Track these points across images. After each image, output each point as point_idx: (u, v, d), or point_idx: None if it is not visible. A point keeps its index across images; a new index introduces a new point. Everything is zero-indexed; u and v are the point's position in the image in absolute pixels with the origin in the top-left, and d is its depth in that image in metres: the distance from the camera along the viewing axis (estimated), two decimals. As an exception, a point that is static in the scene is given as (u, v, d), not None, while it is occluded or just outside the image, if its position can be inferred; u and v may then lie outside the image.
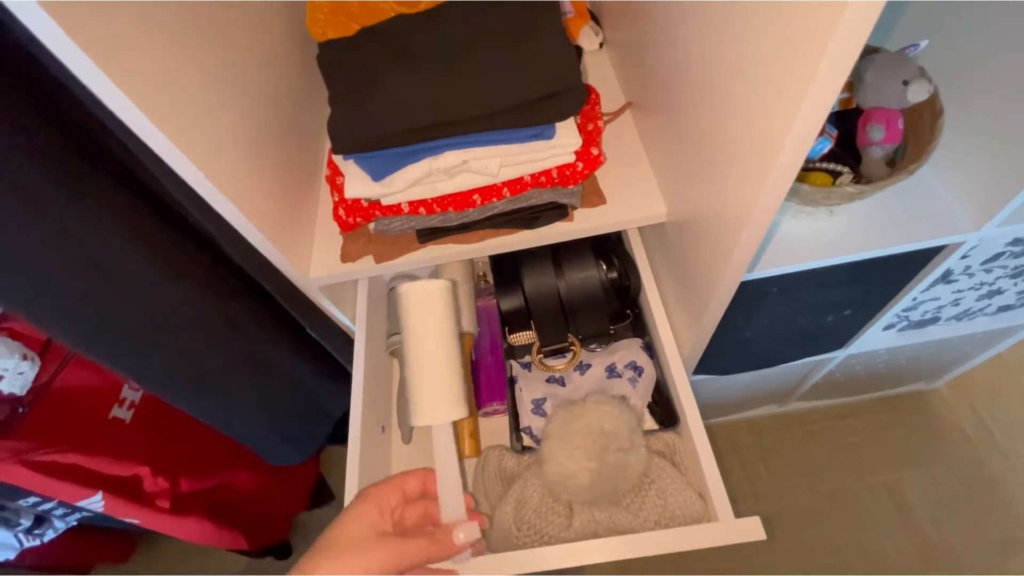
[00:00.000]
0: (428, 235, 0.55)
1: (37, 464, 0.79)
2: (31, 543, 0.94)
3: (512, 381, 0.63)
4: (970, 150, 0.64)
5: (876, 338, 0.99)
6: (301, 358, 0.66)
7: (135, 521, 0.92)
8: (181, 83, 0.40)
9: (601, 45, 0.69)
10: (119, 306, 0.48)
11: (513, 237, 0.55)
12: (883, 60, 0.59)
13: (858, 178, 0.63)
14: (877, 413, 1.38)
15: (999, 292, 0.91)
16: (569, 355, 0.65)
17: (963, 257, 0.76)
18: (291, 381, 0.65)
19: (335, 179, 0.55)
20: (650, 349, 0.61)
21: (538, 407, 0.60)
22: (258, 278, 0.53)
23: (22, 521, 0.90)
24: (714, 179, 0.39)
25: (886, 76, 0.58)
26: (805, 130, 0.26)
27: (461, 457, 0.61)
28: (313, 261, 0.57)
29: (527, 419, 0.60)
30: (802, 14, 0.24)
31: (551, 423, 0.52)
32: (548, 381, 0.63)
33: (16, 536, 0.92)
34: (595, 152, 0.49)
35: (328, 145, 0.67)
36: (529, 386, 0.62)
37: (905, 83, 0.57)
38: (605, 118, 0.58)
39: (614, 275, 0.63)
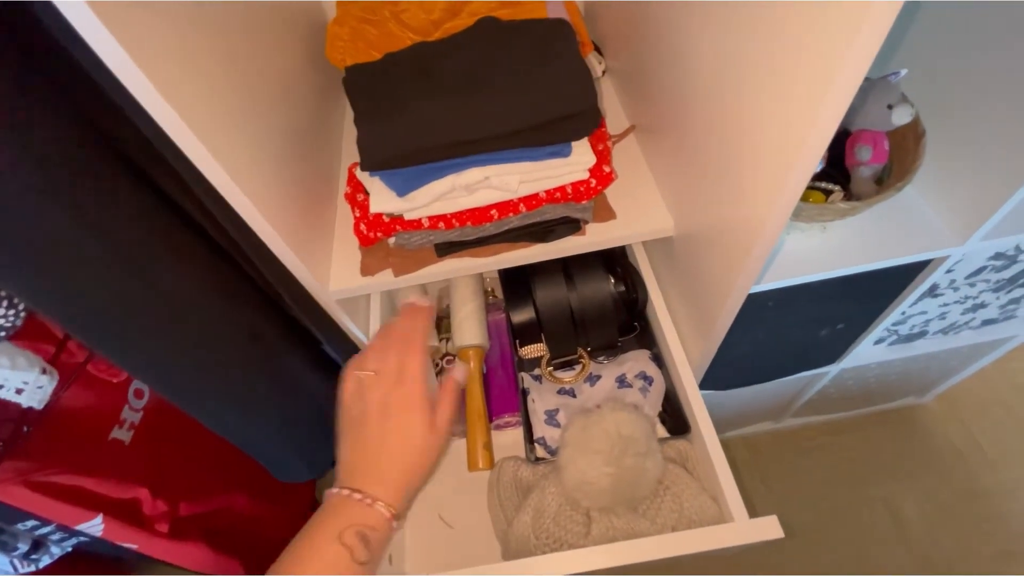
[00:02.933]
0: (446, 249, 0.57)
1: (39, 485, 0.78)
2: (26, 569, 0.92)
3: (525, 392, 0.65)
4: (951, 169, 0.68)
5: (868, 352, 1.02)
6: (316, 372, 0.66)
7: (133, 546, 0.90)
8: (219, 98, 0.42)
9: (604, 73, 0.74)
10: (147, 311, 0.49)
11: (527, 250, 0.57)
12: (868, 86, 0.64)
13: (848, 196, 0.67)
14: (870, 428, 1.41)
15: (983, 306, 0.95)
16: (578, 367, 0.67)
17: (948, 271, 0.80)
18: (307, 395, 0.66)
19: (355, 196, 0.58)
20: (658, 360, 0.63)
21: (551, 417, 0.62)
22: (280, 290, 0.54)
23: (19, 545, 0.87)
24: (723, 194, 0.41)
25: (872, 101, 0.63)
26: (816, 147, 0.29)
27: (475, 470, 0.62)
28: (332, 274, 0.59)
29: (541, 429, 0.61)
30: (814, 39, 0.27)
31: (568, 430, 0.54)
32: (559, 392, 0.65)
33: (11, 562, 0.90)
34: (607, 169, 0.52)
35: (345, 163, 0.69)
36: (541, 397, 0.64)
37: (889, 107, 0.61)
38: (612, 139, 0.61)
39: (622, 288, 0.65)
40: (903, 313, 0.91)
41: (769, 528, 0.46)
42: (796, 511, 1.33)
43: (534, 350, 0.69)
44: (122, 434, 0.95)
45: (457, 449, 0.67)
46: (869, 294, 0.83)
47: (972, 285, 0.88)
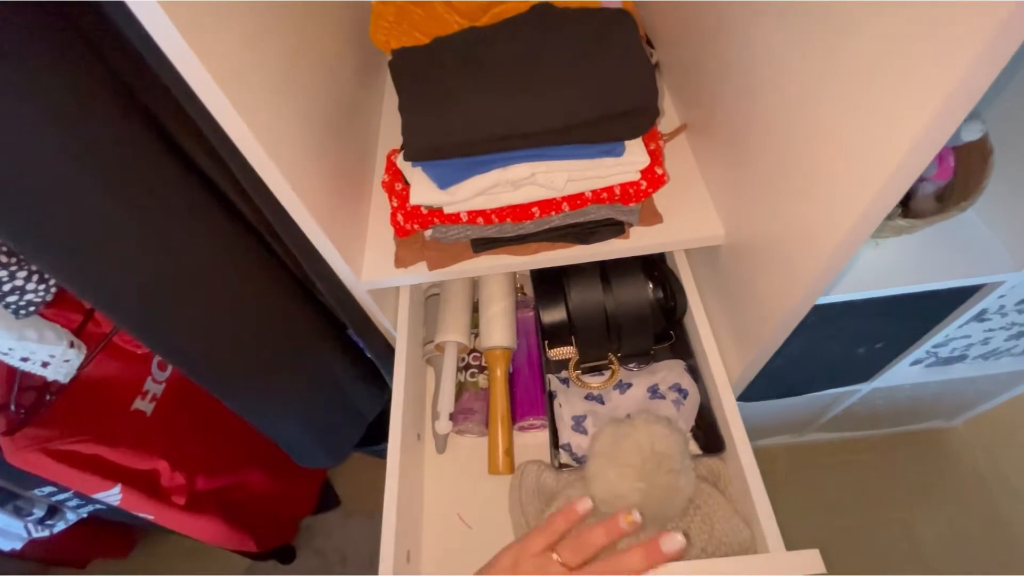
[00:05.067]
0: (483, 245, 0.55)
1: (59, 453, 0.78)
2: (40, 534, 0.93)
3: (551, 396, 0.63)
4: (1015, 191, 0.64)
5: (903, 373, 0.99)
6: (342, 358, 0.65)
7: (149, 516, 0.91)
8: (259, 73, 0.40)
9: (656, 66, 0.70)
10: (179, 292, 0.48)
11: (567, 251, 0.55)
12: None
13: (907, 212, 0.64)
14: (893, 449, 1.37)
15: (1029, 333, 0.91)
16: (607, 373, 0.65)
17: (1000, 296, 0.76)
18: (331, 380, 0.65)
19: (394, 185, 0.56)
20: (693, 372, 0.61)
21: (578, 424, 0.60)
22: (313, 276, 0.53)
23: (34, 511, 0.89)
24: (791, 206, 0.39)
25: (941, 113, 0.59)
26: (916, 166, 0.27)
27: (495, 473, 0.61)
28: (365, 264, 0.57)
29: (567, 436, 0.60)
30: (931, 44, 0.24)
31: (599, 440, 0.52)
32: (587, 398, 0.63)
33: (26, 526, 0.91)
34: (659, 171, 0.50)
35: (382, 149, 0.67)
36: (569, 402, 0.62)
37: (960, 121, 0.58)
38: (663, 138, 0.58)
39: (660, 294, 0.63)
40: (946, 336, 0.87)
41: (810, 562, 0.43)
42: (809, 529, 1.30)
43: (563, 352, 0.67)
44: (144, 405, 0.95)
45: (479, 448, 0.65)
46: (915, 315, 0.79)
47: (1021, 312, 0.84)
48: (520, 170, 0.46)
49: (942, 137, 0.25)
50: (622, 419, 0.53)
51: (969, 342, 0.92)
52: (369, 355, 0.67)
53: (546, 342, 0.67)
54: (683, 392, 0.59)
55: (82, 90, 0.38)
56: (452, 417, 0.63)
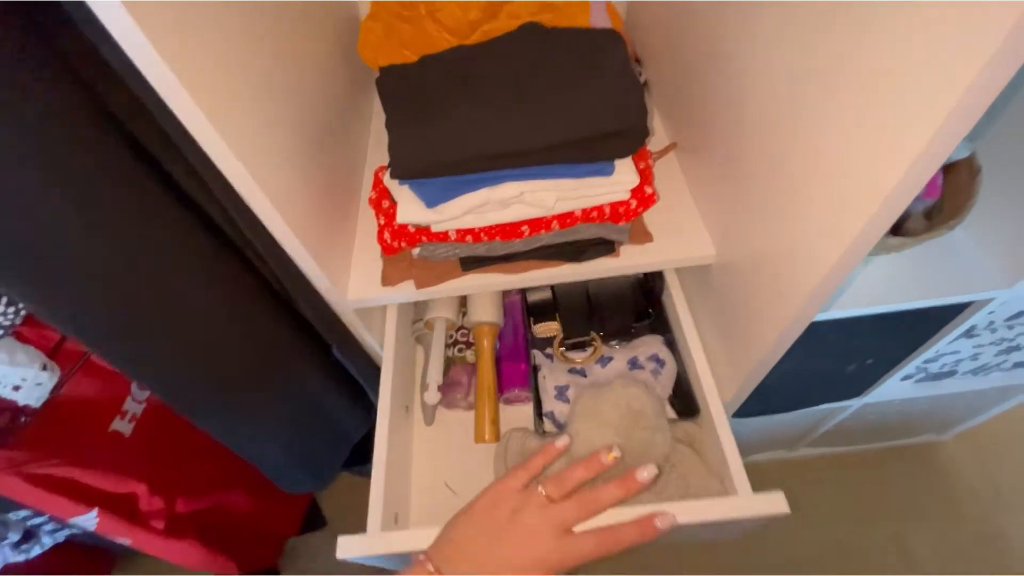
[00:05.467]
0: (472, 263, 0.54)
1: (34, 477, 0.76)
2: (16, 558, 0.90)
3: (536, 369, 0.66)
4: (1004, 208, 0.65)
5: (893, 388, 0.98)
6: (326, 379, 0.64)
7: (127, 541, 0.88)
8: (240, 89, 0.39)
9: (644, 85, 0.70)
10: (154, 311, 0.46)
11: (556, 270, 0.54)
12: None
13: (896, 230, 0.64)
14: (884, 463, 1.37)
15: (1017, 348, 0.91)
16: (590, 349, 0.67)
17: (989, 313, 0.76)
18: (315, 402, 0.63)
19: (381, 202, 0.55)
20: (671, 345, 0.63)
21: (561, 393, 0.62)
22: (295, 296, 0.52)
23: (10, 535, 0.85)
24: (785, 225, 0.38)
25: (928, 132, 0.59)
26: (915, 184, 0.26)
27: (481, 441, 0.64)
28: (351, 282, 0.56)
29: (550, 404, 0.62)
30: (934, 57, 0.24)
31: (578, 402, 0.55)
32: (569, 372, 0.65)
33: (1, 551, 0.88)
34: (649, 191, 0.49)
35: (370, 166, 0.67)
36: (552, 374, 0.64)
37: (948, 140, 0.58)
38: (652, 157, 0.58)
39: (639, 276, 0.66)
40: (936, 352, 0.87)
41: (774, 503, 0.47)
42: (801, 545, 1.29)
43: (547, 329, 0.69)
44: (123, 426, 0.92)
45: (466, 421, 0.67)
46: (905, 332, 0.79)
47: (1011, 328, 0.84)
48: (509, 189, 0.46)
49: (943, 154, 0.24)
50: (601, 384, 0.55)
51: (959, 358, 0.92)
52: (354, 375, 0.65)
53: (531, 319, 0.70)
54: (660, 362, 0.61)
55: (52, 106, 0.37)
56: (440, 389, 0.65)
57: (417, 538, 0.45)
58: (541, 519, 0.40)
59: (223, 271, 0.51)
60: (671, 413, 0.64)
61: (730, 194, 0.48)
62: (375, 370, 0.66)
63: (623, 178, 0.47)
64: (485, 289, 0.55)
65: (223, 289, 0.51)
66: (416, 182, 0.47)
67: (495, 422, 0.64)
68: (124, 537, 0.86)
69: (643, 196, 0.49)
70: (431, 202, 0.47)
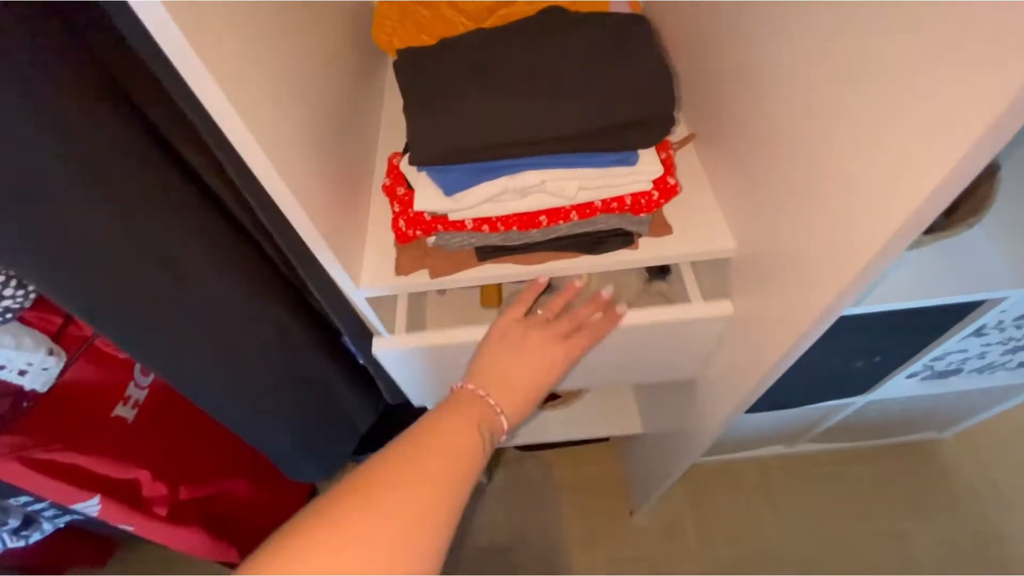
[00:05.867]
0: (488, 253, 0.53)
1: (36, 462, 0.75)
2: (15, 544, 0.89)
3: None
4: (1018, 208, 0.64)
5: (898, 386, 0.98)
6: (335, 367, 0.63)
7: (129, 528, 0.87)
8: (264, 78, 0.38)
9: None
10: (168, 296, 0.45)
11: (574, 261, 0.53)
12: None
13: (913, 227, 0.63)
14: (885, 460, 1.38)
15: (1023, 348, 0.91)
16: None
17: (1000, 312, 0.76)
18: (325, 391, 0.62)
19: (395, 189, 0.54)
20: None
21: None
22: (308, 282, 0.51)
23: (10, 521, 0.85)
24: (815, 217, 0.37)
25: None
26: (962, 180, 0.25)
27: (486, 306, 0.75)
28: (364, 271, 0.55)
29: None
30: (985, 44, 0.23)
31: None
32: None
33: (0, 536, 0.87)
34: (671, 182, 0.48)
35: (382, 152, 0.65)
36: None
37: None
38: (672, 148, 0.57)
39: None
40: (943, 350, 0.87)
41: (720, 307, 0.55)
42: (801, 540, 1.30)
43: None
44: (125, 412, 0.91)
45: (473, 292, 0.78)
46: (915, 329, 0.79)
47: (1019, 327, 0.84)
48: (529, 177, 0.45)
49: (1001, 141, 0.23)
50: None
51: (965, 356, 0.92)
52: (364, 364, 0.65)
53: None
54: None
55: (66, 83, 0.36)
56: None
57: (439, 336, 0.58)
58: (545, 333, 0.51)
59: (236, 258, 0.50)
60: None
61: (751, 186, 0.47)
62: (384, 360, 0.66)
63: (647, 168, 0.46)
64: (501, 279, 0.54)
65: (235, 275, 0.50)
66: (435, 169, 0.46)
67: (499, 289, 0.77)
68: (127, 524, 0.86)
69: (665, 187, 0.48)
70: (450, 190, 0.46)
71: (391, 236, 0.55)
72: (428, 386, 0.67)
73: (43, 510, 0.87)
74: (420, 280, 0.54)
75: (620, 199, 0.49)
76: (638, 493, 1.27)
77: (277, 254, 0.55)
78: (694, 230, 0.53)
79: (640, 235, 0.52)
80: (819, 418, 1.16)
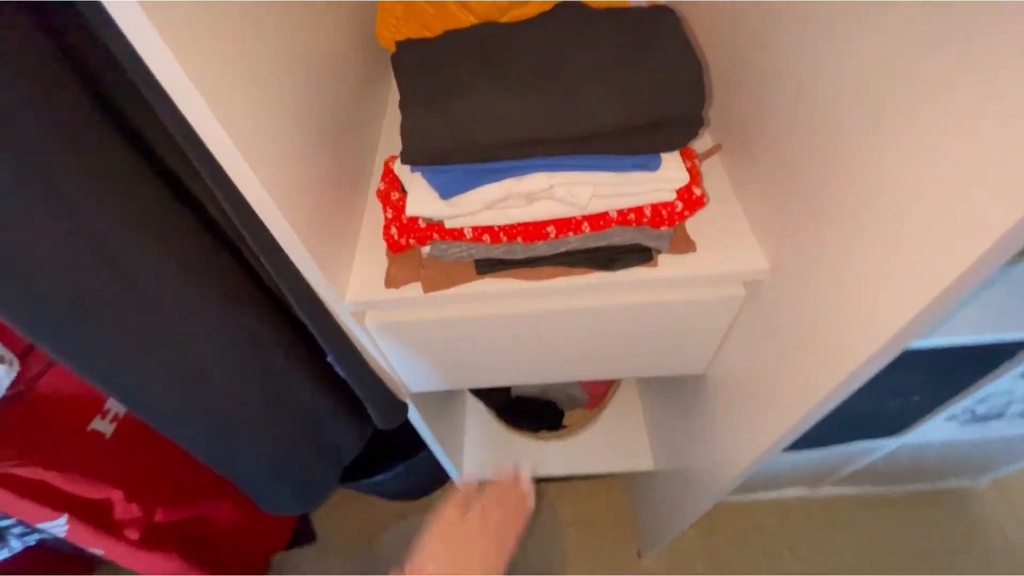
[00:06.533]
0: (488, 267, 0.48)
1: (1, 478, 0.70)
2: (-22, 562, 0.83)
3: None
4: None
5: (936, 428, 0.90)
6: (320, 389, 0.57)
7: (98, 551, 0.81)
8: (244, 73, 0.34)
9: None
10: (120, 306, 0.39)
11: (584, 279, 0.48)
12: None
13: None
14: (913, 507, 1.28)
15: (1076, 393, 0.83)
16: None
17: (1054, 352, 0.69)
18: (307, 414, 0.56)
19: (390, 194, 0.49)
20: None
21: None
22: (287, 294, 0.46)
23: (-28, 539, 0.79)
24: (880, 234, 0.32)
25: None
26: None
27: None
28: (351, 284, 0.50)
29: None
30: None
31: None
32: None
33: (-37, 555, 0.82)
34: (697, 192, 0.43)
35: (381, 158, 0.61)
36: None
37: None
38: (697, 158, 0.52)
39: None
40: (987, 391, 0.79)
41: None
42: (824, 591, 1.20)
43: None
44: (103, 426, 0.86)
45: None
46: (961, 368, 0.72)
47: (1073, 369, 0.76)
48: (537, 180, 0.40)
49: None
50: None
51: (1010, 399, 0.84)
52: (351, 386, 0.59)
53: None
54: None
55: (35, 89, 0.31)
56: None
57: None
58: (484, 529, 0.55)
59: (200, 257, 0.44)
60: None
61: (786, 203, 0.42)
62: (374, 381, 0.60)
63: (671, 174, 0.40)
64: (503, 297, 0.49)
65: (205, 283, 0.44)
66: (430, 169, 0.41)
67: None
68: (95, 547, 0.80)
69: (690, 198, 0.43)
70: (446, 193, 0.41)
71: (384, 248, 0.50)
72: (426, 367, 0.61)
73: (10, 527, 0.81)
74: (412, 295, 0.49)
75: (638, 210, 0.43)
76: (647, 534, 1.19)
77: (255, 261, 0.50)
78: (720, 248, 0.48)
79: (659, 251, 0.46)
80: (847, 459, 1.07)
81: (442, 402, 0.91)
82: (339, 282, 0.49)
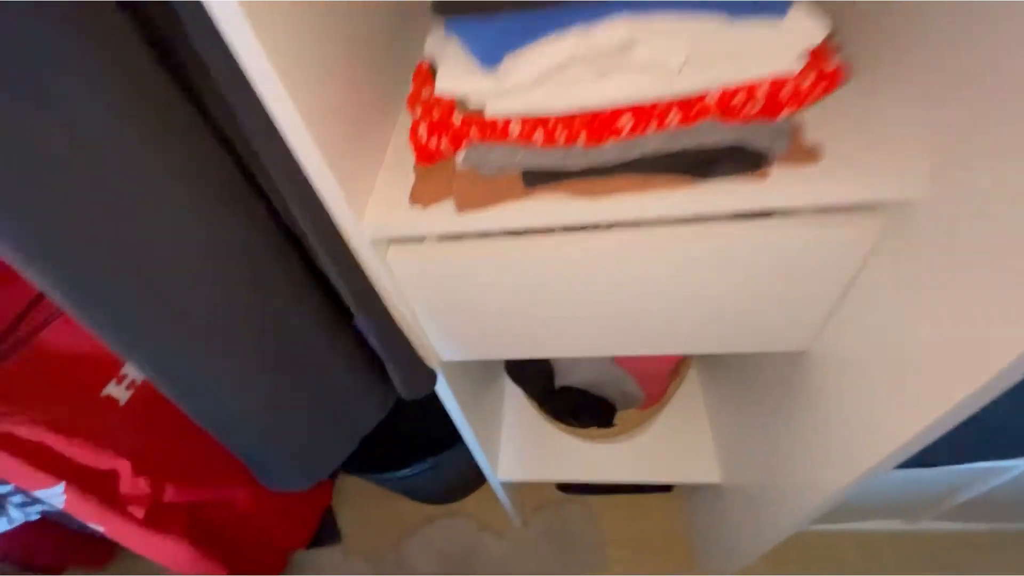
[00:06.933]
0: (539, 179, 0.37)
1: (-3, 435, 0.64)
2: (-27, 530, 0.79)
3: None
4: None
5: (1090, 451, 0.72)
6: (336, 345, 0.48)
7: (99, 528, 0.75)
8: None
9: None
10: (121, 248, 0.33)
11: (664, 196, 0.36)
12: None
13: None
14: (1036, 553, 1.06)
15: None
16: None
17: None
18: (319, 376, 0.47)
19: (420, 92, 0.40)
20: None
21: None
22: (299, 218, 0.37)
23: (-31, 502, 0.74)
24: None
25: None
26: None
27: None
28: (370, 204, 0.41)
29: None
30: None
31: None
32: None
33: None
34: (835, 63, 0.31)
35: (415, 63, 0.52)
36: None
37: None
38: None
39: None
40: None
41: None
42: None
43: None
44: (118, 392, 0.81)
45: None
46: None
47: None
48: (614, 31, 0.29)
49: None
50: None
51: None
52: (371, 343, 0.50)
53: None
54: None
55: None
56: None
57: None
58: None
59: (214, 183, 0.37)
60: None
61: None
62: (399, 337, 0.50)
63: (802, 25, 0.29)
64: (556, 220, 0.38)
65: (205, 207, 0.36)
66: (469, 25, 0.31)
67: None
68: (95, 522, 0.73)
69: (823, 71, 0.31)
70: (489, 57, 0.31)
71: (411, 172, 0.41)
72: (458, 325, 0.50)
73: (9, 495, 0.76)
74: (443, 215, 0.39)
75: (750, 89, 0.32)
76: (707, 561, 1.03)
77: (267, 183, 0.41)
78: (855, 161, 0.35)
79: (774, 157, 0.34)
80: (959, 486, 0.89)
81: (478, 385, 0.81)
82: (358, 202, 0.39)
